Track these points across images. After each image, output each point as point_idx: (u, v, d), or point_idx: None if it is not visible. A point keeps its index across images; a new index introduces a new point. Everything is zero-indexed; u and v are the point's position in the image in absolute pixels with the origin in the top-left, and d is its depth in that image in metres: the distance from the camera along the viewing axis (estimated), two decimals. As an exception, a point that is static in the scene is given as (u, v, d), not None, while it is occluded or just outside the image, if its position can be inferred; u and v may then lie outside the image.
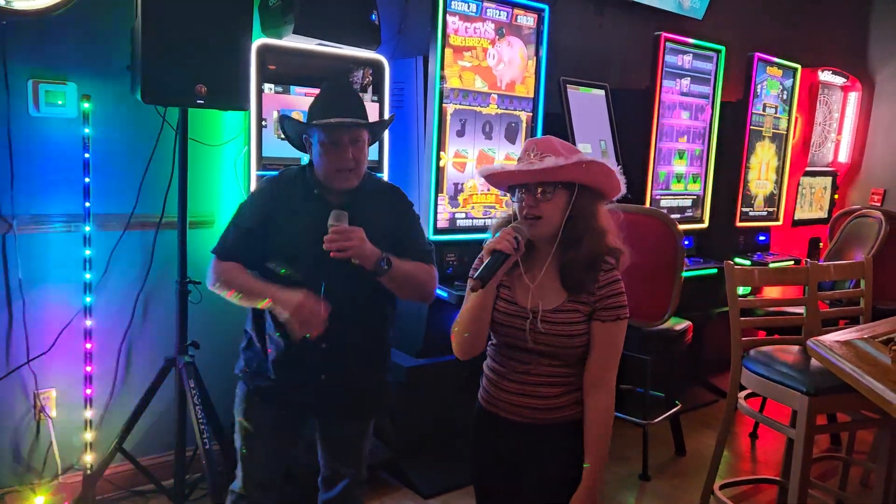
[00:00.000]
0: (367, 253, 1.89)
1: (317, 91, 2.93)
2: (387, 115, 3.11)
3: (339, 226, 1.87)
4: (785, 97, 4.82)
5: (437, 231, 3.13)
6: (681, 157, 4.30)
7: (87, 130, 2.69)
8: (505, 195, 1.91)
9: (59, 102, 2.67)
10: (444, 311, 3.19)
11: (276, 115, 2.83)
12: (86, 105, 2.68)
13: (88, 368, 2.80)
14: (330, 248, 1.86)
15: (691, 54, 4.20)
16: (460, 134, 3.18)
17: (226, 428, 2.87)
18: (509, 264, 1.73)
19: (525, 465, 1.84)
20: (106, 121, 2.78)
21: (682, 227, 3.38)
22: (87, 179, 2.70)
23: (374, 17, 3.00)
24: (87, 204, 2.72)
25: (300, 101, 2.94)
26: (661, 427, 3.71)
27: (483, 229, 3.26)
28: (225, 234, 2.04)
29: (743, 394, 2.97)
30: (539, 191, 1.73)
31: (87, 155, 2.70)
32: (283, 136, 2.10)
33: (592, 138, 3.75)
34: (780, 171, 4.91)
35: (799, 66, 4.85)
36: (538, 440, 1.80)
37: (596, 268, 1.75)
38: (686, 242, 3.93)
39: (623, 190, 1.79)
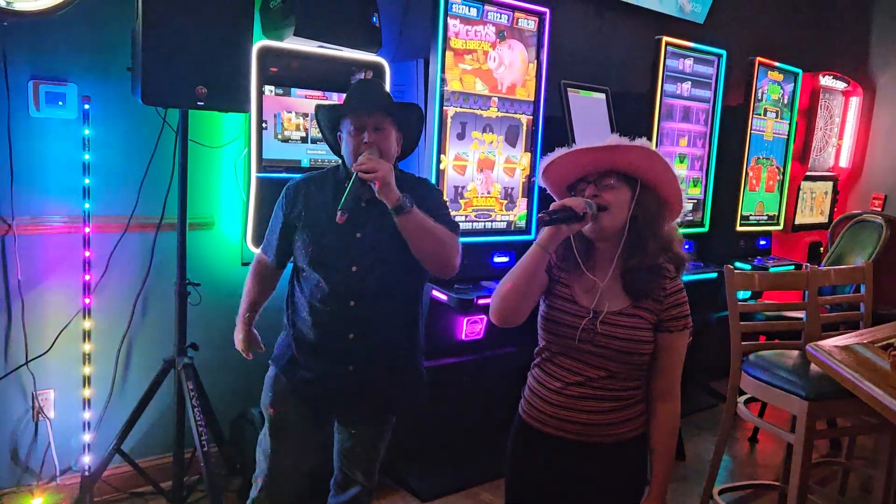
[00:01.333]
0: (391, 185, 1.90)
1: (318, 93, 2.95)
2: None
3: (371, 155, 1.93)
4: (786, 102, 4.82)
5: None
6: (681, 161, 4.30)
7: (87, 131, 2.69)
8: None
9: (60, 103, 2.67)
10: (443, 314, 3.19)
11: (288, 113, 2.83)
12: (86, 106, 2.68)
13: (87, 370, 2.80)
14: (359, 168, 1.89)
15: (692, 58, 4.20)
16: (461, 137, 3.18)
17: (224, 430, 2.88)
18: (573, 230, 1.69)
19: (569, 486, 1.78)
20: (106, 122, 2.78)
21: (682, 231, 3.37)
22: (86, 181, 2.70)
23: (374, 19, 3.01)
24: (87, 205, 2.72)
25: (301, 103, 2.95)
26: (661, 431, 3.69)
27: (483, 232, 3.26)
28: (267, 234, 2.20)
29: (742, 398, 2.96)
30: (602, 180, 1.72)
31: (87, 156, 2.70)
32: (321, 136, 2.22)
33: (593, 142, 3.74)
34: (781, 176, 4.91)
35: (800, 71, 4.85)
36: (584, 460, 1.74)
37: (659, 275, 1.72)
38: (686, 246, 3.93)
39: (685, 204, 1.77)
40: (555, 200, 1.76)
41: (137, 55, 2.46)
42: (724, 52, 4.34)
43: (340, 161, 2.13)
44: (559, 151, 1.75)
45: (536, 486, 1.82)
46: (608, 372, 1.71)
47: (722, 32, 4.89)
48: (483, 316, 3.24)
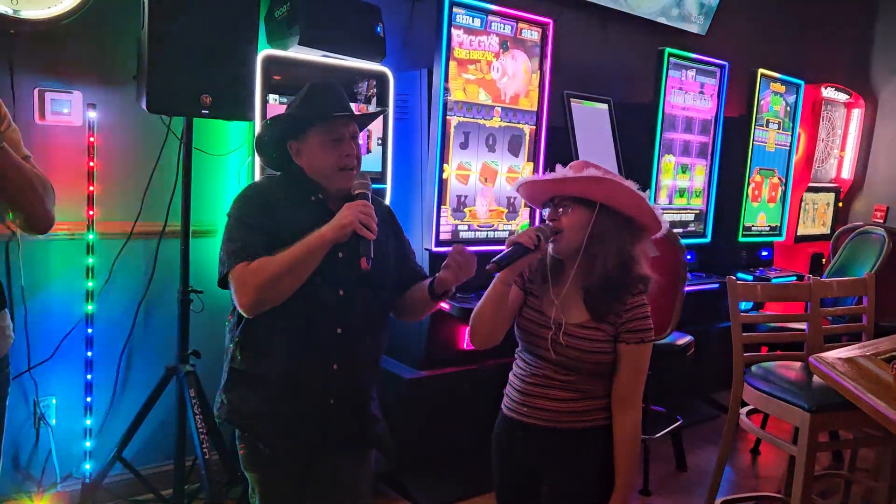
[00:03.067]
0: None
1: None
2: (391, 127, 3.12)
3: (363, 180, 1.83)
4: (788, 113, 4.83)
5: (440, 243, 3.13)
6: (684, 172, 4.31)
7: (91, 139, 2.70)
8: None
9: (65, 111, 2.69)
10: (445, 323, 3.20)
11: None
12: (91, 114, 2.69)
13: (89, 376, 2.80)
14: (364, 222, 1.71)
15: (695, 69, 4.22)
16: (464, 146, 3.19)
17: (225, 438, 2.87)
18: (529, 260, 1.81)
19: (548, 471, 1.88)
20: (111, 130, 2.79)
21: (684, 241, 3.38)
22: (91, 188, 2.71)
23: (379, 29, 3.02)
24: (91, 212, 2.72)
25: (304, 112, 2.95)
26: (663, 442, 3.69)
27: (485, 241, 3.27)
28: (234, 242, 1.76)
29: (745, 410, 2.95)
30: (560, 203, 1.83)
31: (91, 163, 2.71)
32: (259, 145, 1.90)
33: (596, 152, 3.76)
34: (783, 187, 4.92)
35: (802, 83, 4.86)
36: (561, 446, 1.85)
37: (618, 293, 1.81)
38: (688, 257, 3.93)
39: (662, 222, 1.83)
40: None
41: (143, 63, 2.48)
42: (726, 64, 4.36)
43: (290, 171, 1.90)
44: (521, 180, 1.92)
45: (518, 474, 1.94)
46: (575, 374, 1.83)
47: (724, 44, 4.91)
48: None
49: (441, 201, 3.13)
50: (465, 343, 3.30)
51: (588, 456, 1.85)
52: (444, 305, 3.05)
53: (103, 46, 2.75)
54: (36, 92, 2.63)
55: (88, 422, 2.81)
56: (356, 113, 1.96)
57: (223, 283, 1.78)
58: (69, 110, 2.69)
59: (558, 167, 1.84)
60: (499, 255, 1.76)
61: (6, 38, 2.50)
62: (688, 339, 3.62)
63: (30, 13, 2.42)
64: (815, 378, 2.51)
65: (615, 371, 1.83)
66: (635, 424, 1.83)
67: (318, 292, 1.78)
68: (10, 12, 2.38)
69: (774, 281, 4.46)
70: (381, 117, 3.07)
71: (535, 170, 3.41)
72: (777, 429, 3.33)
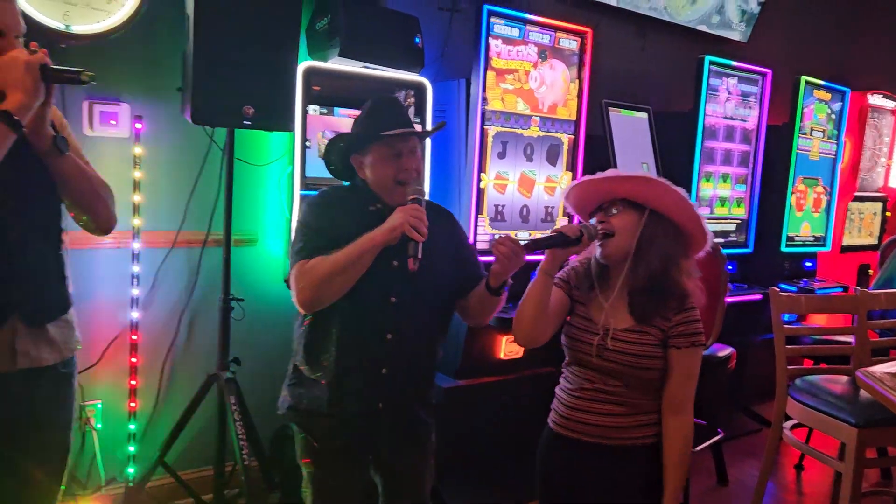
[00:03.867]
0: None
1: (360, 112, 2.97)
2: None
3: (419, 188, 1.88)
4: (833, 121, 4.73)
5: (477, 252, 3.12)
6: (724, 181, 4.25)
7: (138, 150, 2.77)
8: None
9: (112, 122, 2.76)
10: (482, 333, 3.19)
11: (320, 135, 2.88)
12: (138, 125, 2.76)
13: (133, 382, 2.86)
14: (415, 226, 1.76)
15: (736, 77, 4.16)
16: (501, 156, 3.19)
17: (264, 445, 2.90)
18: (569, 252, 1.82)
19: (596, 487, 1.87)
20: (156, 140, 2.86)
21: (725, 251, 3.33)
22: (136, 197, 2.78)
23: (417, 40, 3.05)
24: (137, 221, 2.79)
25: (344, 122, 2.99)
26: (703, 455, 3.62)
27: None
28: (297, 244, 1.89)
29: (788, 424, 2.89)
30: (610, 208, 1.84)
31: (137, 173, 2.78)
32: (327, 158, 2.03)
33: (635, 161, 3.73)
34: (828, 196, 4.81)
35: (848, 90, 4.76)
36: (608, 462, 1.84)
37: (662, 297, 1.81)
38: (730, 267, 3.86)
39: (708, 232, 1.83)
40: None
41: (188, 76, 2.53)
42: (768, 71, 4.29)
43: (353, 183, 2.01)
44: (572, 183, 1.92)
45: (562, 489, 1.93)
46: (622, 382, 1.82)
47: (767, 51, 4.83)
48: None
49: (479, 210, 3.13)
50: (503, 352, 3.29)
51: (634, 474, 1.83)
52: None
53: (149, 59, 2.82)
54: (85, 104, 2.71)
55: (132, 427, 2.86)
56: (414, 128, 1.98)
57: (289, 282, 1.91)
58: (117, 122, 2.76)
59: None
60: (537, 237, 1.79)
61: (58, 51, 2.57)
62: (729, 350, 3.56)
63: (80, 28, 2.50)
64: (863, 393, 2.45)
65: (665, 378, 1.82)
66: (687, 431, 1.82)
67: (370, 299, 1.86)
68: (62, 27, 2.45)
69: (819, 292, 4.36)
70: (419, 127, 3.10)
71: (574, 179, 3.40)
72: (822, 444, 3.25)
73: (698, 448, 3.49)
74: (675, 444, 1.81)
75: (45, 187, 1.72)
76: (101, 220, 1.84)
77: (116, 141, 2.78)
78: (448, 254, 1.98)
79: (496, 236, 3.19)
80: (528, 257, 1.83)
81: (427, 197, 2.06)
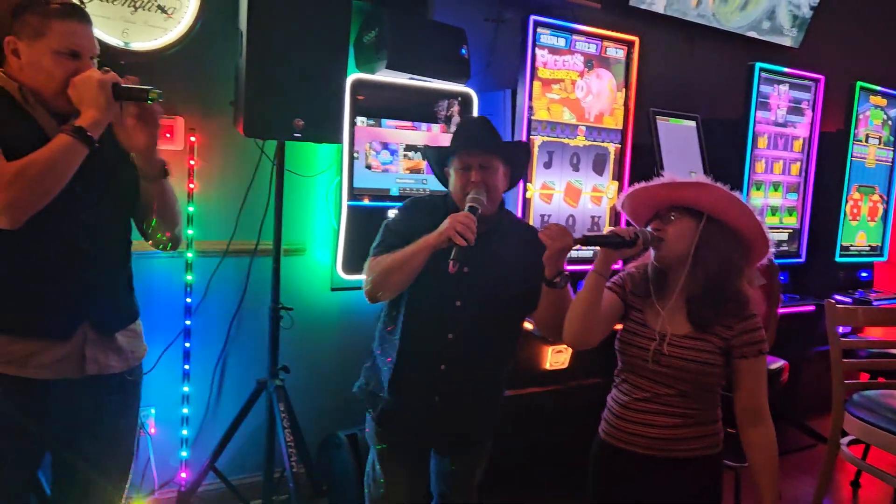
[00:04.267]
0: (560, 257, 1.89)
1: (407, 123, 3.04)
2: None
3: (478, 195, 1.95)
4: (890, 127, 4.59)
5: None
6: (776, 190, 4.16)
7: (192, 162, 2.84)
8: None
9: (168, 136, 2.83)
10: (528, 343, 3.17)
11: (367, 147, 2.91)
12: (192, 138, 2.83)
13: (186, 388, 2.92)
14: (459, 229, 1.84)
15: (787, 84, 4.08)
16: (547, 165, 3.19)
17: (312, 452, 2.94)
18: (621, 254, 1.81)
19: (651, 498, 1.85)
20: (209, 153, 2.93)
21: (777, 262, 3.26)
22: (190, 208, 2.85)
23: (463, 51, 3.07)
24: (191, 231, 2.86)
25: (391, 133, 3.02)
26: (755, 471, 3.54)
27: (569, 261, 3.23)
28: (377, 240, 2.08)
29: (845, 440, 2.81)
30: (667, 214, 1.83)
31: (191, 185, 2.85)
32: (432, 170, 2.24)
33: (683, 170, 3.68)
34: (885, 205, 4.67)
35: (905, 95, 4.62)
36: (663, 474, 1.82)
37: (720, 304, 1.79)
38: (781, 278, 3.78)
39: (769, 237, 1.81)
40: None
41: (240, 90, 2.59)
42: (821, 77, 4.20)
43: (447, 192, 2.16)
44: (629, 189, 1.91)
45: (616, 500, 1.92)
46: (677, 390, 1.80)
47: (819, 56, 4.72)
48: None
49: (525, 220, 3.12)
50: (549, 363, 3.27)
51: (695, 487, 1.81)
52: (528, 325, 3.03)
53: (203, 74, 2.89)
54: (142, 118, 2.79)
55: (185, 432, 2.93)
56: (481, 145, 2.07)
57: None
58: (172, 135, 2.84)
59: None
60: (591, 234, 1.78)
61: (117, 67, 2.65)
62: (781, 363, 3.47)
63: (139, 45, 2.58)
64: (924, 408, 2.37)
65: (736, 388, 1.80)
66: (769, 441, 1.80)
67: (437, 299, 2.01)
68: (121, 44, 2.54)
69: (876, 304, 4.23)
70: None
71: (621, 189, 3.37)
72: (880, 460, 3.15)
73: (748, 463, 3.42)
74: (761, 456, 1.79)
75: (116, 201, 1.81)
76: (176, 237, 1.93)
77: (171, 154, 2.85)
78: (519, 267, 2.03)
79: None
80: (575, 267, 1.83)
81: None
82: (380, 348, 2.15)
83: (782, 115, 4.10)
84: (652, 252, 1.84)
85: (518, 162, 2.16)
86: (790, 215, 4.26)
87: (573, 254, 3.28)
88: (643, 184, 1.87)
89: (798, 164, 4.25)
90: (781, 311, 3.27)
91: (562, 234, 1.82)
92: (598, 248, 1.82)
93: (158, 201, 1.82)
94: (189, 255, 2.87)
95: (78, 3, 1.73)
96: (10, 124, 1.64)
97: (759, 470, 1.79)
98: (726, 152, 3.93)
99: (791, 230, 4.27)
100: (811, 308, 4.00)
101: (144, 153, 1.74)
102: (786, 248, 4.25)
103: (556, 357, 3.27)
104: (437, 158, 2.16)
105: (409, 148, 3.05)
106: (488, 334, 2.05)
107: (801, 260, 4.31)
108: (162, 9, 2.61)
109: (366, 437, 2.23)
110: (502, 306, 2.03)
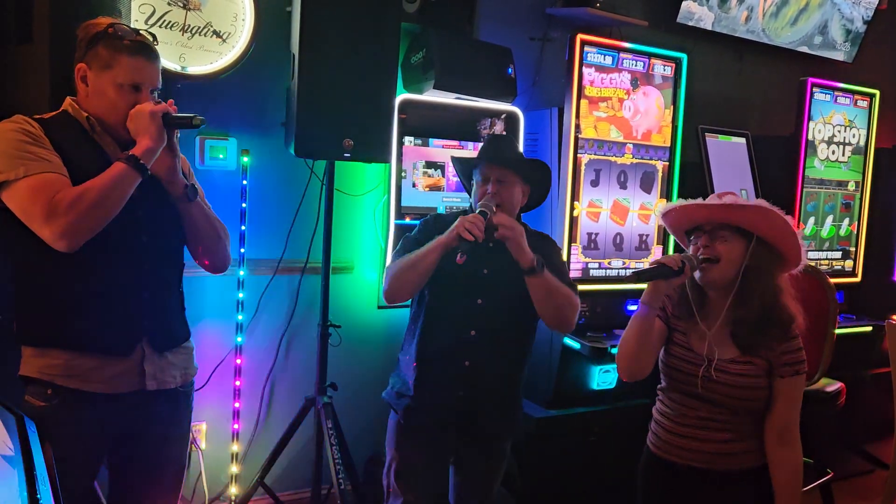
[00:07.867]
0: (524, 247, 2.01)
1: (454, 143, 3.07)
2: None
3: (489, 203, 2.06)
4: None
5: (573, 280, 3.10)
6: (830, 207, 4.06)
7: (244, 182, 2.91)
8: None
9: (221, 156, 2.91)
10: (574, 362, 3.15)
11: (414, 166, 2.94)
12: (244, 159, 2.90)
13: (237, 404, 2.97)
14: (498, 223, 1.99)
15: (841, 99, 3.99)
16: (594, 184, 3.17)
17: (358, 469, 2.95)
18: (671, 284, 1.79)
19: None
20: (261, 173, 2.99)
21: (833, 281, 3.18)
22: (242, 227, 2.91)
23: (510, 70, 3.09)
24: (242, 250, 2.91)
25: (438, 153, 3.05)
26: (812, 496, 3.42)
27: (617, 280, 3.21)
28: (397, 247, 2.23)
29: (907, 466, 2.71)
30: (717, 231, 1.81)
31: (244, 204, 2.91)
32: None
33: (733, 187, 3.61)
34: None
35: (965, 109, 4.48)
36: (716, 486, 1.82)
37: (769, 329, 1.78)
38: (837, 297, 3.67)
39: (804, 259, 1.80)
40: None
41: (291, 110, 2.65)
42: (877, 92, 4.09)
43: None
44: (678, 202, 1.88)
45: None
46: (727, 408, 1.80)
47: (874, 70, 4.62)
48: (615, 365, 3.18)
49: (572, 239, 3.11)
50: (596, 383, 3.24)
51: (742, 498, 1.82)
52: (575, 345, 3.01)
53: (255, 96, 2.96)
54: (197, 139, 2.87)
55: (235, 447, 2.97)
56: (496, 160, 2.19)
57: None
58: (225, 156, 2.91)
59: (711, 198, 1.84)
60: (641, 268, 1.80)
61: (173, 91, 2.74)
62: (837, 385, 3.37)
63: (195, 69, 2.67)
64: None
65: (769, 406, 1.79)
66: (795, 466, 1.79)
67: (460, 298, 2.12)
68: (178, 68, 2.63)
69: (937, 324, 4.07)
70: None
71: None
72: (945, 488, 3.02)
73: (807, 488, 3.31)
74: (785, 478, 1.78)
75: (172, 225, 1.88)
76: (218, 261, 2.00)
77: (225, 174, 2.93)
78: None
79: (589, 265, 3.17)
80: (609, 286, 1.85)
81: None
82: (405, 353, 2.24)
83: (836, 130, 4.00)
84: (696, 273, 1.82)
85: (536, 181, 2.23)
86: (845, 233, 4.15)
87: (616, 286, 3.24)
88: (699, 200, 1.85)
89: (852, 180, 4.14)
90: (838, 331, 3.17)
91: (511, 221, 1.97)
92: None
93: (188, 224, 1.88)
94: (241, 272, 2.93)
95: (151, 40, 1.80)
96: (78, 152, 1.72)
97: (779, 492, 1.78)
98: (777, 169, 3.86)
99: (846, 249, 4.15)
100: (868, 328, 3.88)
101: (165, 176, 1.81)
102: (840, 268, 4.13)
103: (602, 377, 3.24)
104: (462, 169, 2.31)
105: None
106: (508, 332, 2.16)
107: (857, 278, 4.19)
108: (217, 34, 2.70)
109: (385, 444, 2.30)
110: (521, 305, 2.09)
